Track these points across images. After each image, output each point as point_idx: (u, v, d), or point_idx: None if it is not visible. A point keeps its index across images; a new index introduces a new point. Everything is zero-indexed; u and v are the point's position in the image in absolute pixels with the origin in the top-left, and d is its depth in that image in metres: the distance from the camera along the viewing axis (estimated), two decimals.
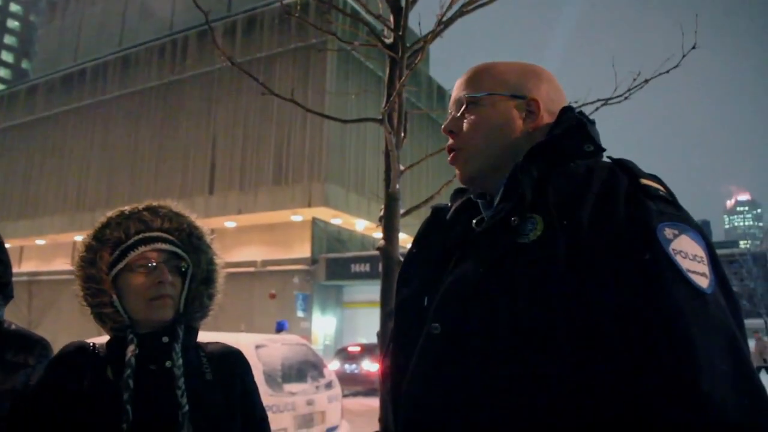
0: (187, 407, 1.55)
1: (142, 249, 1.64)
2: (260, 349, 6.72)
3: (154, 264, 1.64)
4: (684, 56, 4.77)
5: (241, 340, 6.81)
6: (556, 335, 1.00)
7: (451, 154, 1.33)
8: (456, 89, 1.36)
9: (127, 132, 34.65)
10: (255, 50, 30.04)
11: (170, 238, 1.71)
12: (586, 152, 1.19)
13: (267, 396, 6.25)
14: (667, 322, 0.93)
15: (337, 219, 29.56)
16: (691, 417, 0.89)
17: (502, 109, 1.28)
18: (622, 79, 5.02)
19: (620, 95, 5.07)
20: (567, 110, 1.27)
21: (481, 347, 1.06)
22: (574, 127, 1.21)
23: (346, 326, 27.92)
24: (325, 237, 29.25)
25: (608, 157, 1.18)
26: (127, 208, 1.72)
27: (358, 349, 20.75)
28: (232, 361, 1.79)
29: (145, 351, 1.59)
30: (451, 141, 1.34)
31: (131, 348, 1.57)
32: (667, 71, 4.84)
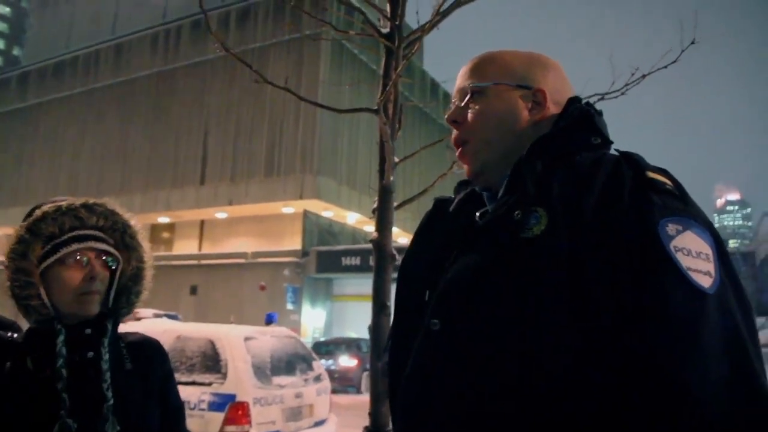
0: (112, 400, 1.59)
1: (75, 246, 1.65)
2: (249, 341, 6.70)
3: (86, 260, 1.66)
4: (682, 51, 4.75)
5: (231, 332, 6.80)
6: (558, 332, 0.98)
7: (459, 150, 1.30)
8: (460, 78, 1.32)
9: (119, 121, 34.47)
10: (248, 41, 29.91)
11: (103, 236, 1.73)
12: (592, 144, 1.16)
13: (255, 388, 6.24)
14: (663, 323, 0.91)
15: (328, 212, 29.53)
16: (681, 423, 0.87)
17: (508, 99, 1.25)
18: (619, 74, 5.00)
19: (617, 90, 5.04)
20: (573, 101, 1.24)
21: (482, 344, 1.04)
22: (581, 118, 1.19)
23: (336, 319, 27.91)
24: (316, 229, 29.23)
25: (615, 149, 1.16)
26: (63, 203, 1.72)
27: (336, 343, 20.40)
28: (151, 350, 1.84)
29: (69, 342, 1.61)
30: (455, 132, 1.31)
31: (60, 338, 1.60)
32: (665, 66, 4.81)
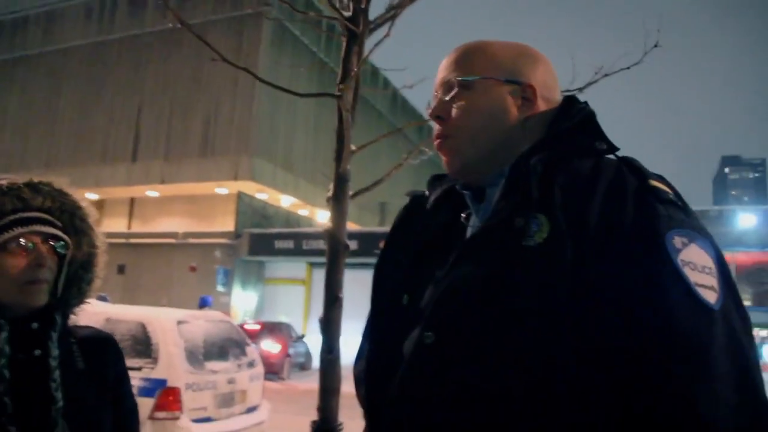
0: (61, 402, 1.47)
1: (18, 230, 1.49)
2: (182, 325, 6.63)
3: (32, 245, 1.50)
4: (645, 54, 4.83)
5: (163, 315, 6.72)
6: (563, 344, 0.96)
7: (438, 142, 1.23)
8: (444, 69, 1.24)
9: (47, 92, 33.08)
10: (188, 17, 29.11)
11: (50, 218, 1.57)
12: (596, 150, 1.10)
13: (187, 374, 6.18)
14: (671, 341, 0.90)
15: (262, 194, 29.19)
16: None
17: (496, 94, 1.17)
18: (578, 72, 5.04)
19: (578, 88, 5.07)
20: (573, 101, 1.19)
21: (481, 358, 0.99)
22: (585, 120, 1.13)
23: (267, 302, 27.68)
24: (249, 211, 28.85)
25: (614, 154, 1.11)
26: (4, 182, 1.55)
27: (257, 327, 19.50)
28: (105, 348, 1.71)
29: (13, 338, 1.47)
30: (438, 128, 1.23)
31: (3, 334, 1.45)
32: (628, 67, 4.89)
